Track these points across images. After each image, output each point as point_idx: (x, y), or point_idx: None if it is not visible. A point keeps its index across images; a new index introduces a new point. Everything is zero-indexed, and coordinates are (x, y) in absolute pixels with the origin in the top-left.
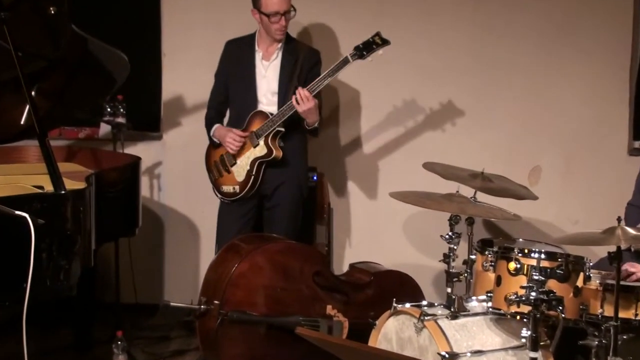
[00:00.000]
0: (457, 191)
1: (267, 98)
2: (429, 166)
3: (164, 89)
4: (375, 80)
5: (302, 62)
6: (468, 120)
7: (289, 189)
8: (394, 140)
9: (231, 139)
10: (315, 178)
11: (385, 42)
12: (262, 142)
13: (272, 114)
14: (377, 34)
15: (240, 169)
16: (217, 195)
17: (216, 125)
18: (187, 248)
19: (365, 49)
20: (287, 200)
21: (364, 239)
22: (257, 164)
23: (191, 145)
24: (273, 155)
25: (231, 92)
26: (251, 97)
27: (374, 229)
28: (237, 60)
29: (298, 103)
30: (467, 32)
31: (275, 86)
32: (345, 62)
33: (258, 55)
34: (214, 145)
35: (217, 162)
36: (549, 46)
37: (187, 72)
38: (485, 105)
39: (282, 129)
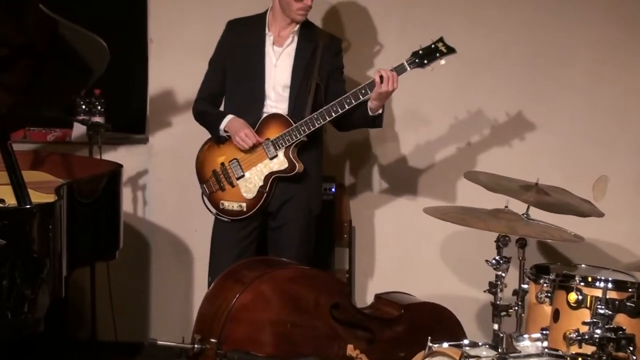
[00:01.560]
0: (506, 206)
1: (277, 93)
2: (472, 176)
3: (150, 81)
4: (408, 73)
5: (323, 51)
6: (519, 121)
7: (298, 204)
8: (429, 144)
9: (245, 135)
10: (333, 190)
11: (450, 51)
12: (281, 154)
13: (295, 121)
14: (441, 40)
15: (250, 183)
16: (210, 211)
17: (230, 116)
18: (178, 275)
19: (426, 57)
20: (297, 217)
21: (392, 264)
22: (272, 179)
23: (183, 150)
24: (295, 171)
25: (230, 84)
26: (257, 90)
27: (405, 252)
28: (241, 44)
29: (382, 81)
30: (519, 14)
31: (287, 78)
32: (400, 69)
33: (269, 40)
34: (217, 142)
35: (217, 172)
36: (617, 36)
37: (179, 62)
38: (541, 103)
39: (306, 139)
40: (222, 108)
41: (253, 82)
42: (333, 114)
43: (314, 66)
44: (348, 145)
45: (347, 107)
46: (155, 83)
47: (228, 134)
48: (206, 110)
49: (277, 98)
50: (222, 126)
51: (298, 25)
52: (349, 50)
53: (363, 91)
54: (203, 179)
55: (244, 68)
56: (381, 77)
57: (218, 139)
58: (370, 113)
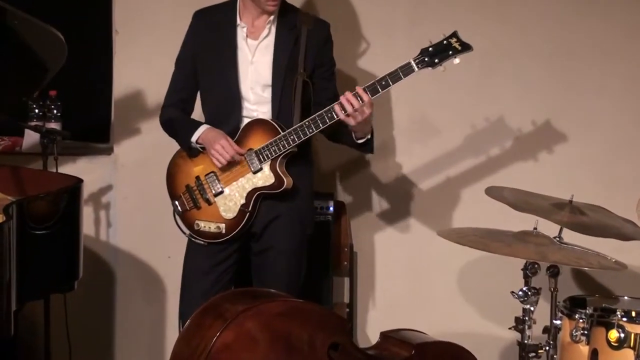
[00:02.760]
0: (535, 228)
1: (256, 94)
2: (495, 193)
3: (115, 81)
4: (416, 74)
5: (307, 39)
6: (548, 130)
7: (287, 224)
8: (442, 157)
9: (222, 146)
10: (330, 209)
11: (465, 48)
12: (267, 168)
13: (283, 128)
14: (455, 35)
15: (230, 201)
16: (183, 232)
17: (205, 126)
18: (148, 309)
19: (437, 55)
20: (286, 240)
21: (401, 296)
22: (255, 196)
23: (154, 162)
24: (284, 187)
25: (203, 86)
26: (232, 92)
27: (416, 282)
28: (211, 39)
29: (347, 113)
30: (547, 5)
31: (267, 76)
32: (407, 70)
33: (241, 32)
34: (189, 155)
35: (191, 188)
36: None
37: (149, 57)
38: (574, 108)
39: (296, 149)
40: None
41: (227, 82)
42: (328, 120)
43: (298, 60)
44: (347, 157)
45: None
46: (122, 83)
47: (202, 146)
48: (176, 118)
49: (257, 100)
50: (194, 138)
51: (274, 13)
52: (355, 47)
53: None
54: (175, 194)
55: (216, 66)
56: (344, 107)
57: (189, 153)
58: (355, 139)
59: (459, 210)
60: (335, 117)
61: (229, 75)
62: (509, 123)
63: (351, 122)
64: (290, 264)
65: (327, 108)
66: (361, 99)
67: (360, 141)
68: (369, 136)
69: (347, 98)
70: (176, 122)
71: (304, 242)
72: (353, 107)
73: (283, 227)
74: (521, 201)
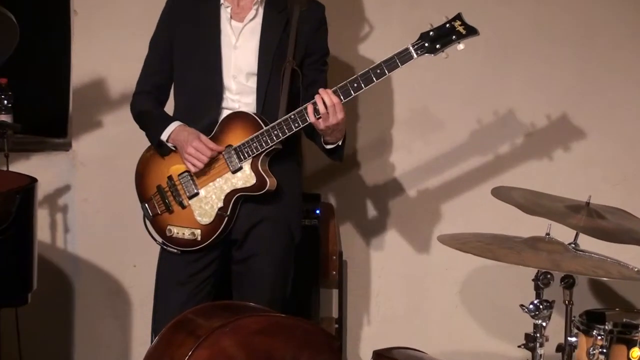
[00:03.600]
0: (548, 234)
1: (239, 83)
2: (503, 193)
3: (74, 68)
4: (415, 61)
5: (299, 23)
6: (564, 125)
7: (272, 229)
8: (446, 153)
9: (196, 149)
10: (317, 212)
11: (471, 32)
12: (247, 167)
13: (266, 122)
14: (459, 18)
15: (206, 204)
16: (155, 239)
17: (176, 124)
18: (112, 324)
19: (438, 40)
20: (270, 247)
21: (396, 310)
22: (235, 198)
23: (118, 159)
24: (266, 188)
25: (179, 72)
26: (212, 81)
27: (414, 294)
28: (190, 19)
29: (318, 116)
30: None
31: (252, 64)
32: (405, 57)
33: (225, 13)
34: (161, 154)
35: (163, 189)
36: None
37: (112, 41)
38: (593, 101)
39: (280, 146)
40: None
41: (206, 69)
42: (315, 114)
43: (288, 46)
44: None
45: (300, 125)
46: (81, 70)
47: (174, 145)
48: (147, 111)
49: (240, 90)
50: (163, 137)
51: None
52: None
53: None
54: (145, 197)
55: (195, 51)
56: (316, 109)
57: (160, 150)
58: (325, 147)
59: (462, 214)
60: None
61: (209, 61)
62: (519, 117)
63: (321, 124)
64: (275, 274)
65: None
66: (329, 99)
67: (328, 147)
68: (340, 143)
69: (320, 96)
70: (146, 114)
71: (291, 250)
72: (325, 105)
73: (267, 233)
74: (532, 203)
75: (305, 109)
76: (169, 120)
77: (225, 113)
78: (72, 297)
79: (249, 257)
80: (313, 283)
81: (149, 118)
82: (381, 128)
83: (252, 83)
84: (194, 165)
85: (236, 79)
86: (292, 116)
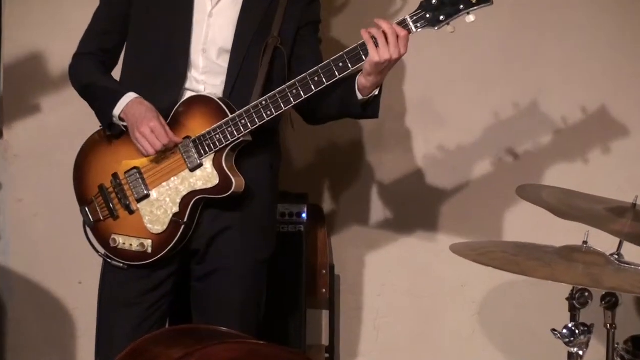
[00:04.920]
0: (585, 242)
1: (209, 60)
2: (530, 193)
3: (5, 44)
4: (414, 36)
5: None
6: (603, 119)
7: (237, 238)
8: (458, 151)
9: (152, 130)
10: (304, 216)
11: (482, 0)
12: (209, 164)
13: (233, 109)
14: None
15: (158, 209)
16: (97, 250)
17: (132, 95)
18: (49, 353)
19: (442, 10)
20: (236, 261)
21: (400, 336)
22: (194, 202)
23: (58, 152)
24: (232, 190)
25: (134, 38)
26: (176, 54)
27: (421, 317)
28: None
29: (377, 44)
30: None
31: (228, 38)
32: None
33: None
34: (108, 139)
35: (106, 189)
36: None
37: (51, 14)
38: (635, 89)
39: (250, 138)
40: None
41: (171, 39)
42: (293, 99)
43: (273, 20)
44: (327, 150)
45: (314, 90)
46: (14, 47)
47: (125, 124)
48: (93, 78)
49: (208, 68)
50: (116, 111)
51: None
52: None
53: (341, 64)
54: (84, 198)
55: (159, 14)
56: (374, 38)
57: (110, 130)
58: (359, 96)
59: (480, 218)
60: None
61: (176, 29)
62: (548, 109)
63: (380, 56)
64: (244, 293)
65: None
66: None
67: (365, 97)
68: (377, 92)
69: (378, 22)
70: (92, 82)
71: (263, 263)
72: (386, 31)
73: (233, 243)
74: (565, 205)
75: (362, 44)
76: (121, 91)
77: (187, 95)
78: (3, 319)
79: (211, 272)
80: (298, 303)
81: (96, 87)
82: (381, 121)
83: (224, 61)
84: (145, 149)
85: (205, 54)
86: (264, 102)
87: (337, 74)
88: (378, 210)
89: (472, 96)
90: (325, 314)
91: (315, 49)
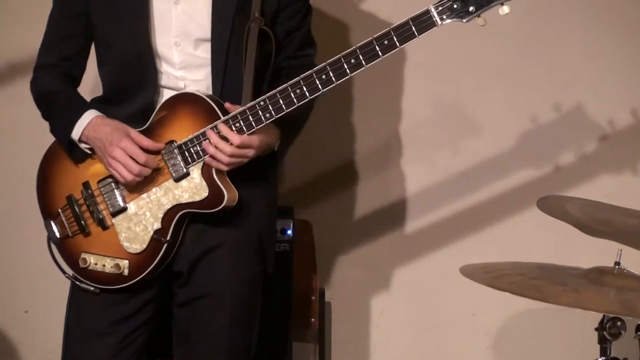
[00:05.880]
0: (618, 263)
1: (185, 53)
2: (553, 206)
3: None
4: (439, 29)
5: None
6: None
7: (228, 260)
8: (472, 153)
9: (124, 151)
10: (289, 233)
11: None
12: (196, 173)
13: (224, 108)
14: None
15: (137, 224)
16: (64, 272)
17: (91, 115)
18: None
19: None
20: (225, 286)
21: None
22: (178, 217)
23: (7, 152)
24: (223, 204)
25: (98, 37)
26: (139, 50)
27: (427, 350)
28: None
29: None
30: None
31: (204, 24)
32: (424, 23)
33: None
34: (74, 158)
35: (75, 201)
36: None
37: None
38: None
39: None
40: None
41: (132, 37)
42: (296, 100)
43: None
44: (315, 156)
45: (322, 90)
46: None
47: (89, 147)
48: (50, 95)
49: (186, 62)
50: (74, 134)
51: None
52: None
53: (353, 60)
54: (50, 211)
55: (115, 11)
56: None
57: (73, 154)
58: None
59: (495, 235)
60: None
61: (135, 24)
62: (591, 112)
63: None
64: (235, 325)
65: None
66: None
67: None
68: (276, 146)
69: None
70: (49, 99)
71: (257, 288)
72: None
73: (222, 265)
74: (594, 219)
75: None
76: (80, 109)
77: (166, 94)
78: None
79: (196, 298)
80: (284, 334)
81: (53, 105)
82: (381, 124)
83: (203, 52)
84: (122, 176)
85: (179, 46)
86: (262, 102)
87: (348, 72)
88: (375, 225)
89: (498, 97)
90: (314, 349)
91: (299, 25)
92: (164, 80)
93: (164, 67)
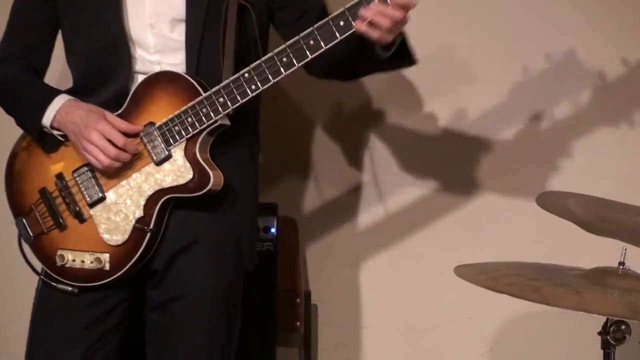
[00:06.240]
0: (622, 263)
1: (160, 35)
2: (553, 202)
3: None
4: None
5: None
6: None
7: (205, 257)
8: (464, 139)
9: (102, 134)
10: (272, 231)
11: None
12: (179, 155)
13: (205, 86)
14: None
15: (117, 214)
16: (36, 271)
17: (63, 99)
18: None
19: None
20: (204, 285)
21: None
22: (162, 203)
23: None
24: (209, 186)
25: (65, 26)
26: (112, 34)
27: (420, 355)
28: None
29: (369, 22)
30: None
31: (178, 3)
32: None
33: None
34: (45, 147)
35: (49, 194)
36: None
37: None
38: None
39: (228, 123)
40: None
41: (103, 17)
42: (283, 69)
43: None
44: (300, 146)
45: (310, 57)
46: None
47: (62, 133)
48: (17, 88)
49: (161, 45)
50: (45, 120)
51: None
52: None
53: (342, 22)
54: (21, 208)
55: None
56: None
57: (42, 142)
58: (378, 52)
59: (491, 233)
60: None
61: (108, 4)
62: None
63: (374, 33)
64: (215, 326)
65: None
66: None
67: (386, 51)
68: (400, 38)
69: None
70: (13, 89)
71: (238, 287)
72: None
73: (200, 263)
74: (597, 217)
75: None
76: (52, 94)
77: (140, 78)
78: None
79: (170, 300)
80: (267, 339)
81: (19, 94)
82: (366, 98)
83: (180, 35)
84: (100, 161)
85: (155, 29)
86: (247, 74)
87: (337, 35)
88: (365, 222)
89: (497, 54)
90: (299, 354)
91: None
92: (138, 66)
93: (138, 52)
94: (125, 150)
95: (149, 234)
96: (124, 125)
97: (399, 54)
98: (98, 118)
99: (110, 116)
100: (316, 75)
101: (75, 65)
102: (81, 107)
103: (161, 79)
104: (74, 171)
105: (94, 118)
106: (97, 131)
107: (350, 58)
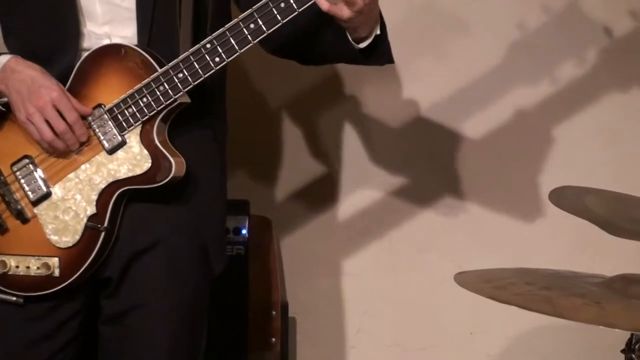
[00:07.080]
0: None
1: (110, 4)
2: (567, 198)
3: None
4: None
5: None
6: None
7: (165, 262)
8: (468, 141)
9: (51, 103)
10: (244, 232)
11: None
12: (134, 141)
13: (161, 60)
14: None
15: (65, 212)
16: None
17: (6, 56)
18: None
19: None
20: (164, 293)
21: None
22: (117, 197)
23: None
24: (171, 175)
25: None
26: (60, 6)
27: None
28: None
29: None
30: None
31: None
32: None
33: None
34: None
35: None
36: None
37: None
38: None
39: (189, 100)
40: None
41: None
42: (251, 37)
43: None
44: (275, 136)
45: (281, 21)
46: None
47: (5, 100)
48: None
49: (110, 15)
50: None
51: None
52: None
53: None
54: None
55: None
56: None
57: None
58: (351, 44)
59: (496, 236)
60: (280, 18)
61: None
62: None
63: (345, 13)
64: (177, 340)
65: None
66: None
67: (362, 45)
68: (378, 32)
69: None
70: None
71: (204, 296)
72: None
73: (159, 268)
74: (619, 215)
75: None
76: None
77: (85, 53)
78: None
79: (128, 310)
80: (238, 357)
81: None
82: (351, 80)
83: (130, 1)
84: (42, 134)
85: (105, 3)
86: (209, 45)
87: (288, 13)
88: (350, 221)
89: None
90: None
91: None
92: (85, 42)
93: (85, 26)
94: (72, 130)
95: (103, 234)
96: (74, 101)
97: (375, 49)
98: (52, 83)
99: (63, 89)
100: (273, 48)
101: (14, 46)
102: (33, 66)
103: (110, 53)
104: (12, 164)
105: (50, 82)
106: (49, 97)
107: (319, 35)
